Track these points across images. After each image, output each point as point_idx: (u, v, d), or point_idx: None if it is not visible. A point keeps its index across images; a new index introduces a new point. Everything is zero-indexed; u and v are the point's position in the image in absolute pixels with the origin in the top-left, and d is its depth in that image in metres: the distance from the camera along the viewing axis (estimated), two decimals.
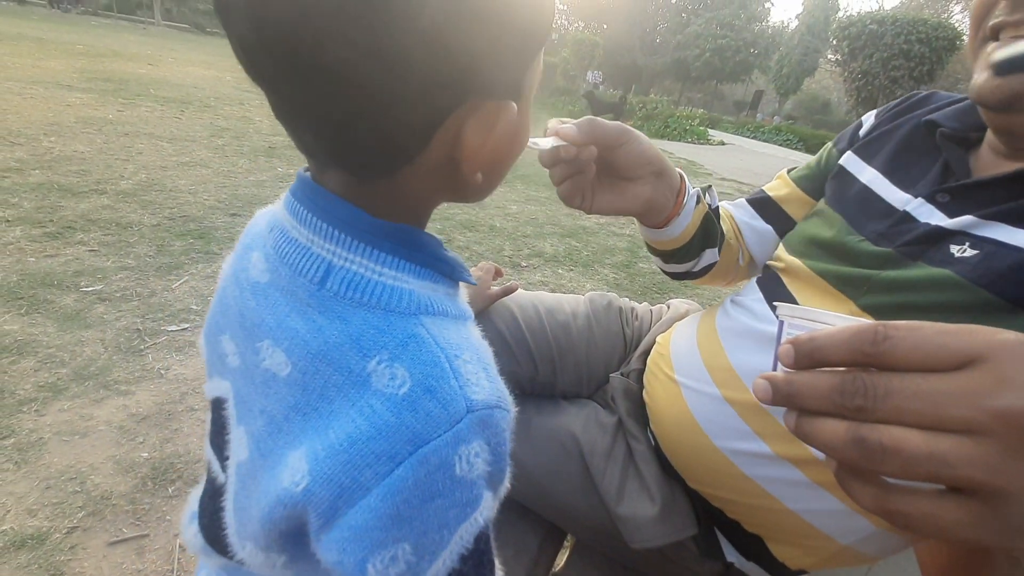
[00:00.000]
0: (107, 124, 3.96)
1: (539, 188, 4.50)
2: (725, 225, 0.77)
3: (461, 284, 0.39)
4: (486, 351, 0.35)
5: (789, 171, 0.81)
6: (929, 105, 0.68)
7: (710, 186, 0.74)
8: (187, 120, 4.74)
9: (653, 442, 0.70)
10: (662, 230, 0.67)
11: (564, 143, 0.54)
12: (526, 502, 0.75)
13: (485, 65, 0.29)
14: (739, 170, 8.21)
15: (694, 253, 0.72)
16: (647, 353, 0.77)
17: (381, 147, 0.30)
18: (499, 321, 0.77)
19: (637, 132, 0.61)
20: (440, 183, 0.34)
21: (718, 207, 0.75)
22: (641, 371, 0.76)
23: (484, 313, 0.77)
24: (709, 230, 0.71)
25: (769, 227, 0.79)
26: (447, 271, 0.36)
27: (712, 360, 0.64)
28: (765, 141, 17.64)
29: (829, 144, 0.77)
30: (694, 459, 0.64)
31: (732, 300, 0.70)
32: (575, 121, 0.56)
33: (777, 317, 0.33)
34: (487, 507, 0.31)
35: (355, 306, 0.31)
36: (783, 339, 0.30)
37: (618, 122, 0.59)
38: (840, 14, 23.07)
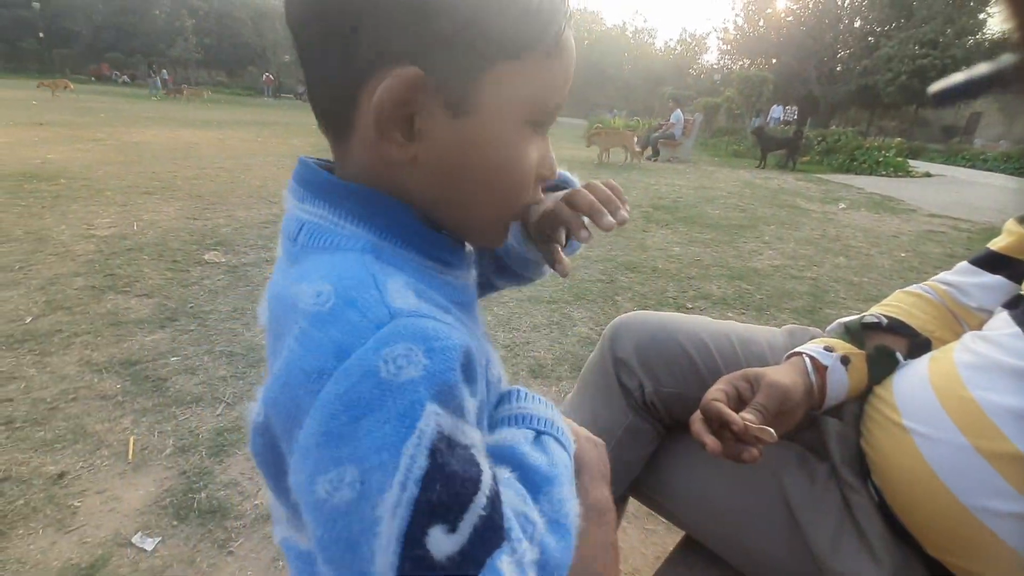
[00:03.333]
0: None
1: (703, 229, 4.33)
2: (920, 317, 0.71)
3: (454, 276, 0.38)
4: (446, 306, 0.34)
5: (1021, 218, 0.70)
6: None
7: (863, 321, 0.70)
8: None
9: (876, 497, 0.63)
10: (821, 409, 0.67)
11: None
12: (709, 541, 0.72)
13: (393, 31, 0.30)
14: (952, 204, 6.92)
15: (878, 381, 0.68)
16: (862, 394, 0.71)
17: (323, 105, 0.35)
18: (688, 345, 0.77)
19: (772, 376, 0.62)
20: (380, 161, 0.34)
21: (885, 322, 0.70)
22: (857, 415, 0.69)
23: (670, 334, 0.78)
24: (885, 361, 0.67)
25: (998, 278, 0.69)
26: (422, 244, 0.36)
27: (953, 403, 0.56)
28: (988, 170, 14.63)
29: None
30: (935, 522, 0.56)
31: (973, 335, 0.62)
32: (754, 415, 0.58)
33: None
34: (434, 418, 0.28)
35: (314, 251, 0.34)
36: None
37: (777, 384, 0.61)
38: None
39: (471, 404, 0.31)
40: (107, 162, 5.14)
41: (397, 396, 0.27)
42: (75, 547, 1.07)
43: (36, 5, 31.01)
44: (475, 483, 0.28)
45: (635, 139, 9.19)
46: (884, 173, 10.29)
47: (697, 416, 0.62)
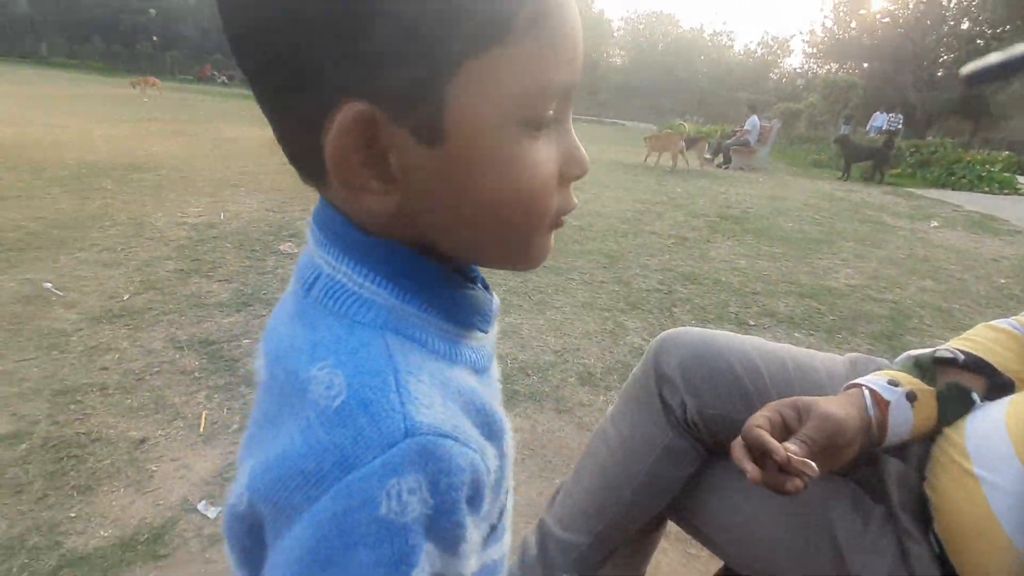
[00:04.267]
0: None
1: (772, 242, 4.12)
2: (1003, 355, 0.65)
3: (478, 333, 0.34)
4: (469, 399, 0.30)
5: None
6: None
7: (936, 355, 0.64)
8: None
9: (937, 548, 0.58)
10: (880, 448, 0.62)
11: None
12: (747, 573, 0.69)
13: (327, 62, 0.25)
14: None
15: (948, 422, 0.62)
16: (929, 435, 0.65)
17: (288, 146, 0.30)
18: (737, 365, 0.74)
19: (824, 406, 0.58)
20: (366, 214, 0.30)
21: (962, 358, 0.64)
22: (922, 457, 0.64)
23: (719, 353, 0.75)
24: (958, 400, 0.62)
25: None
26: (444, 306, 0.32)
27: None
28: None
29: None
30: None
31: None
32: (798, 447, 0.55)
33: None
34: (428, 559, 0.25)
35: (328, 314, 0.29)
36: None
37: (828, 416, 0.57)
38: None
39: (472, 528, 0.28)
40: (202, 156, 5.60)
41: (396, 539, 0.24)
42: (149, 508, 1.18)
43: (152, 12, 34.39)
44: None
45: (682, 144, 8.80)
46: (987, 189, 9.34)
47: (739, 441, 0.60)
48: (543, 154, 0.29)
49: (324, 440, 0.25)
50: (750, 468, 0.55)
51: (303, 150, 0.29)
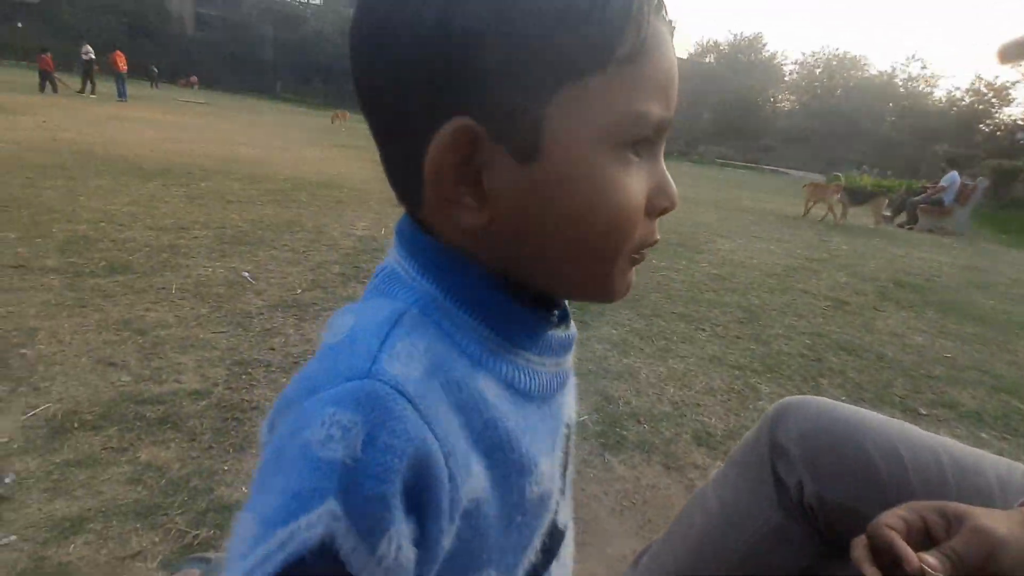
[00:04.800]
0: None
1: (962, 321, 3.45)
2: None
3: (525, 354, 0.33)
4: (473, 404, 0.29)
5: None
6: None
7: None
8: None
9: None
10: None
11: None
12: None
13: (435, 83, 0.27)
14: None
15: None
16: None
17: (392, 171, 0.33)
18: (873, 450, 0.64)
19: (981, 519, 0.48)
20: (457, 232, 0.31)
21: None
22: None
23: (852, 433, 0.65)
24: None
25: None
26: (490, 317, 0.32)
27: None
28: None
29: None
30: None
31: None
32: (940, 561, 0.46)
33: None
34: (327, 521, 0.22)
35: (377, 295, 0.33)
36: None
37: (985, 532, 0.47)
38: None
39: (403, 536, 0.24)
40: (377, 178, 6.34)
41: (304, 471, 0.23)
42: None
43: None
44: None
45: (837, 196, 7.89)
46: None
47: (862, 539, 0.52)
48: (632, 181, 0.30)
49: (310, 367, 0.27)
50: (870, 574, 0.48)
51: (406, 169, 0.31)
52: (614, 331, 2.58)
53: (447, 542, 0.27)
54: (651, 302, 3.10)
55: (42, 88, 13.24)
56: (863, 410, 0.70)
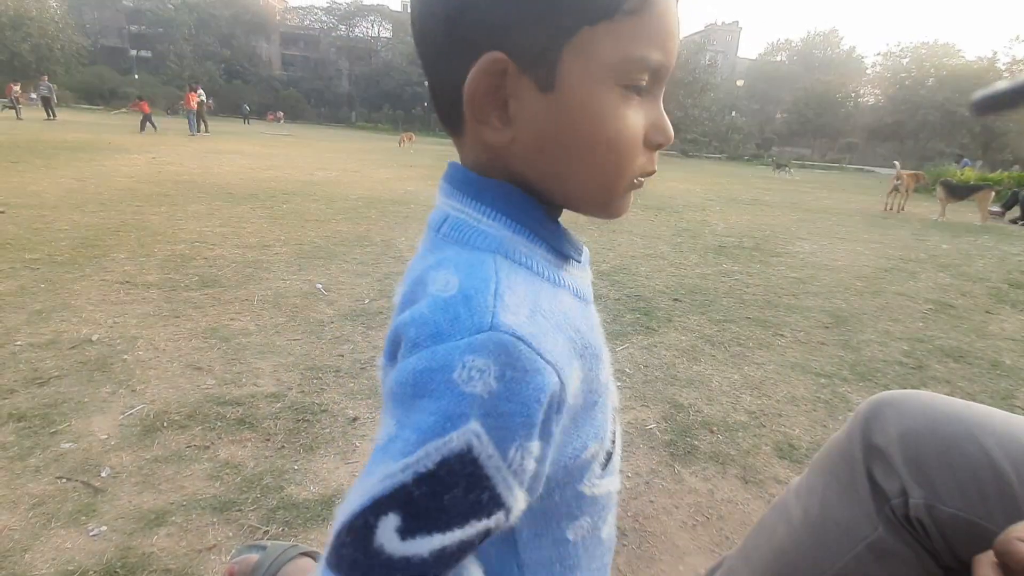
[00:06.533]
0: (592, 221, 5.15)
1: None
2: None
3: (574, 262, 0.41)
4: (566, 318, 0.35)
5: None
6: None
7: None
8: (658, 221, 5.63)
9: None
10: None
11: None
12: None
13: (477, 21, 0.33)
14: None
15: None
16: None
17: (441, 108, 0.39)
18: (999, 454, 0.53)
19: None
20: (485, 149, 0.37)
21: None
22: None
23: (967, 432, 0.56)
24: None
25: None
26: (548, 238, 0.39)
27: None
28: None
29: None
30: None
31: None
32: None
33: None
34: (470, 438, 0.29)
35: (452, 243, 0.37)
36: None
37: None
38: None
39: (532, 449, 0.31)
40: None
41: (453, 400, 0.29)
42: (348, 476, 1.38)
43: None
44: (458, 522, 0.30)
45: (897, 182, 7.07)
46: None
47: (988, 556, 0.43)
48: (632, 114, 0.36)
49: (427, 317, 0.32)
50: None
51: (451, 99, 0.37)
52: (683, 337, 2.45)
53: (559, 436, 0.34)
54: (722, 307, 2.93)
55: (142, 128, 14.80)
56: (979, 405, 0.59)
